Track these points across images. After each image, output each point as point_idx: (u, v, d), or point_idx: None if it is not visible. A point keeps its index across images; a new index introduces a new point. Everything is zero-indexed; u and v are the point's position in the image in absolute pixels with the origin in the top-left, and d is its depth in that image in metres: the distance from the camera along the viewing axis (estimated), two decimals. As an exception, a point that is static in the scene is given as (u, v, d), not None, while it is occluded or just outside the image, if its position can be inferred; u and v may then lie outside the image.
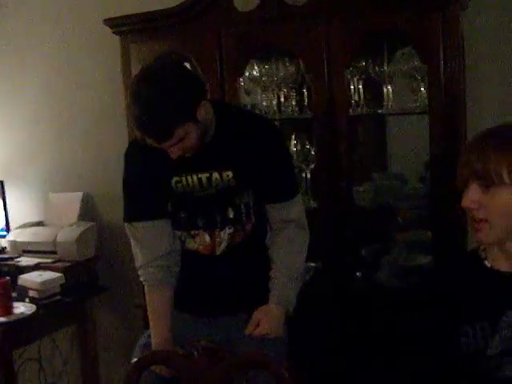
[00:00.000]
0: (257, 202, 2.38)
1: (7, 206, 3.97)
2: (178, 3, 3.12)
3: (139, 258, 2.42)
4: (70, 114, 3.96)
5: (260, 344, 2.30)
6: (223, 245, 2.38)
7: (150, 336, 2.42)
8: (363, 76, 3.07)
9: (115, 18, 3.28)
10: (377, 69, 3.03)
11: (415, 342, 1.85)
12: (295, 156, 3.09)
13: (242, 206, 2.36)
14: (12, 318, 3.16)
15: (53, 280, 3.40)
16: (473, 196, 1.70)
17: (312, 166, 3.12)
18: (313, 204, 3.09)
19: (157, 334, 2.37)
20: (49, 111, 4.02)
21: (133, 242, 2.44)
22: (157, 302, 2.41)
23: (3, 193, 3.94)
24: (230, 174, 2.30)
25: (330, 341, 2.98)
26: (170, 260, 2.41)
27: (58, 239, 3.62)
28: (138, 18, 3.22)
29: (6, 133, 4.13)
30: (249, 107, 3.27)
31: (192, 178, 2.32)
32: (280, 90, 3.26)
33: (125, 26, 3.26)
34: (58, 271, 3.48)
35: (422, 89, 2.94)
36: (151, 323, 2.41)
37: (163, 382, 2.27)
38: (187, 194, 2.35)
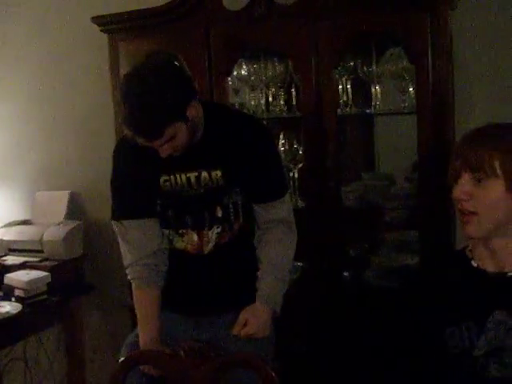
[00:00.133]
0: (245, 201, 2.37)
1: (-6, 205, 3.95)
2: (166, 1, 3.12)
3: (127, 257, 2.41)
4: (57, 112, 3.94)
5: (247, 344, 2.30)
6: (211, 244, 2.37)
7: (137, 335, 2.42)
8: (352, 76, 3.08)
9: (103, 16, 3.27)
10: (365, 69, 3.04)
11: (402, 342, 1.85)
12: (283, 155, 3.08)
13: (231, 206, 2.35)
14: (-3, 317, 3.15)
15: (39, 279, 3.38)
16: (464, 187, 1.71)
17: (300, 165, 3.12)
18: (300, 203, 3.09)
19: (144, 334, 2.36)
20: (36, 110, 4.00)
21: (121, 241, 2.43)
22: (144, 301, 2.40)
23: (-10, 191, 3.92)
24: (219, 173, 2.29)
25: (317, 341, 2.98)
26: (158, 259, 2.40)
27: (45, 238, 3.60)
28: (126, 16, 3.21)
29: (-7, 131, 4.12)
30: (237, 106, 3.27)
31: (181, 177, 2.31)
32: (268, 89, 3.26)
33: (113, 24, 3.25)
34: (44, 270, 3.46)
35: (411, 89, 2.95)
36: (139, 322, 2.40)
37: (150, 382, 2.26)
38: (175, 193, 2.34)
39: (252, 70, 3.20)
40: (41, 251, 3.62)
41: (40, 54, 3.93)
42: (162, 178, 2.33)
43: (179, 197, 2.35)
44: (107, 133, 3.41)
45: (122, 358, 2.11)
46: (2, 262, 3.62)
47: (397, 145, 3.27)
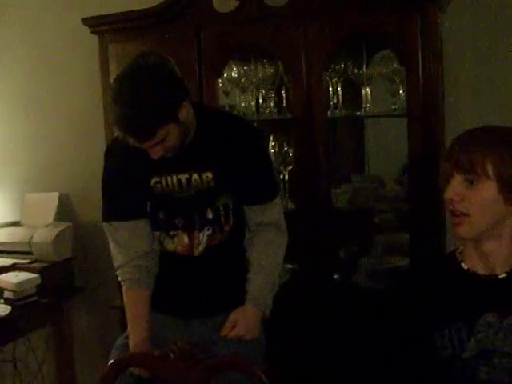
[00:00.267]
0: (236, 203, 2.37)
1: (-17, 206, 3.94)
2: (157, 3, 3.11)
3: (118, 258, 2.40)
4: (46, 113, 3.93)
5: (237, 346, 2.29)
6: (201, 246, 2.37)
7: (127, 337, 2.41)
8: (342, 78, 3.08)
9: (93, 18, 3.26)
10: (356, 71, 3.04)
11: (392, 344, 1.85)
12: (273, 157, 3.08)
13: (221, 208, 2.35)
14: (-14, 319, 3.13)
15: (29, 281, 3.36)
16: (456, 188, 1.71)
17: (290, 167, 3.12)
18: (291, 205, 3.09)
19: (134, 335, 2.35)
20: (25, 111, 3.99)
21: (111, 242, 2.42)
22: (135, 302, 2.39)
23: (-21, 193, 3.91)
24: (210, 175, 2.29)
25: (307, 342, 2.98)
26: (149, 261, 2.40)
27: (34, 240, 3.59)
28: (116, 17, 3.21)
29: (-18, 133, 4.10)
30: (227, 108, 3.26)
31: (171, 178, 2.31)
32: (259, 91, 3.26)
33: (103, 26, 3.24)
34: (34, 272, 3.44)
35: (401, 91, 2.96)
36: (129, 324, 2.39)
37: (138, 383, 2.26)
38: (166, 195, 2.34)
39: (242, 71, 3.20)
40: (30, 253, 3.60)
41: (30, 55, 3.92)
42: (153, 180, 2.32)
43: (170, 199, 2.34)
44: (97, 134, 3.40)
45: (112, 360, 2.10)
46: (-9, 264, 3.60)
47: (387, 147, 3.28)
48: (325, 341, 2.94)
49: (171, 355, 1.95)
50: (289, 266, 3.07)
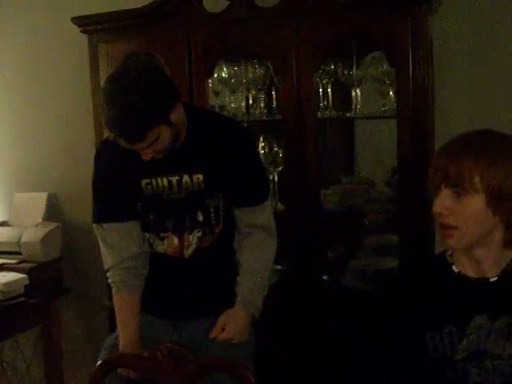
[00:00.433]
0: (227, 205, 2.37)
1: (-29, 206, 3.92)
2: (147, 3, 3.10)
3: (108, 260, 2.40)
4: (35, 113, 3.92)
5: (225, 347, 2.29)
6: (192, 248, 2.36)
7: (116, 338, 2.40)
8: (332, 79, 3.08)
9: (83, 17, 3.25)
10: (346, 72, 3.04)
11: (382, 346, 1.85)
12: (263, 158, 3.08)
13: (212, 210, 2.34)
14: (-26, 319, 3.12)
15: (17, 281, 3.35)
16: (445, 202, 1.70)
17: (280, 168, 3.12)
18: (280, 206, 3.08)
19: (124, 337, 2.35)
20: (14, 111, 3.98)
21: (101, 244, 2.41)
22: (125, 305, 2.39)
23: (-33, 192, 3.89)
24: (201, 177, 2.29)
25: (295, 343, 2.98)
26: (139, 262, 2.39)
27: (23, 240, 3.58)
28: (106, 17, 3.20)
29: (-29, 132, 4.08)
30: (217, 109, 3.25)
31: (162, 180, 2.30)
32: (249, 91, 3.26)
33: (93, 25, 3.23)
34: (22, 272, 3.43)
35: (391, 93, 2.96)
36: (119, 326, 2.39)
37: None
38: (157, 197, 2.33)
39: (232, 72, 3.19)
40: (18, 253, 3.59)
41: (19, 53, 3.90)
42: (144, 182, 2.31)
43: (160, 200, 2.33)
44: (86, 135, 3.39)
45: (100, 361, 2.09)
46: (-21, 264, 3.59)
47: (377, 149, 3.28)
48: (314, 342, 2.94)
49: (160, 356, 1.94)
50: (278, 266, 3.07)
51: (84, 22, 3.25)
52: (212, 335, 2.32)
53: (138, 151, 2.16)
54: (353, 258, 3.27)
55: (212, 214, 2.34)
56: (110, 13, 3.20)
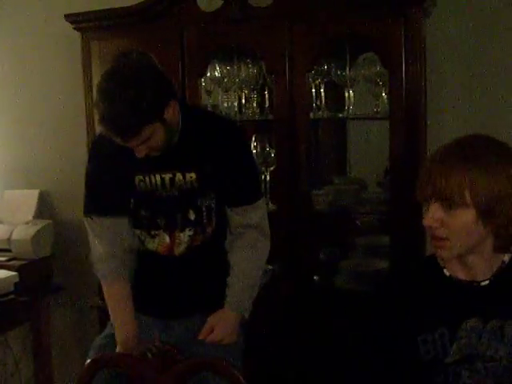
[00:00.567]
0: (219, 204, 2.36)
1: (-39, 203, 3.90)
2: (141, 1, 3.10)
3: (98, 249, 2.37)
4: (27, 110, 3.90)
5: (214, 348, 2.28)
6: (182, 246, 2.36)
7: (106, 337, 2.40)
8: (325, 79, 3.08)
9: (76, 14, 3.24)
10: (339, 73, 3.04)
11: (374, 348, 1.85)
12: (255, 158, 3.07)
13: (204, 209, 2.33)
14: (-37, 316, 3.11)
15: (6, 278, 3.33)
16: (435, 215, 1.69)
17: (272, 168, 3.11)
18: (271, 206, 3.08)
19: (123, 333, 2.33)
20: (6, 108, 3.96)
21: (91, 235, 2.40)
22: (120, 297, 2.37)
23: (-42, 189, 3.87)
24: (194, 175, 2.28)
25: (286, 344, 2.97)
26: (129, 256, 2.38)
27: (13, 237, 3.56)
28: (99, 14, 3.19)
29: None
30: (210, 108, 3.25)
31: (155, 177, 2.30)
32: (241, 91, 3.25)
33: (86, 23, 3.22)
34: (12, 270, 3.42)
35: (384, 94, 2.96)
36: (116, 321, 2.36)
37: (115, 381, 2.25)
38: (149, 194, 2.32)
39: (225, 71, 3.19)
40: (9, 250, 3.57)
41: (11, 52, 3.89)
42: (137, 178, 2.31)
43: (153, 197, 2.33)
44: (78, 132, 3.38)
45: (89, 360, 2.08)
46: (-31, 261, 3.57)
47: (369, 150, 3.28)
48: (304, 342, 2.94)
49: (149, 355, 1.94)
50: (269, 267, 3.05)
51: (77, 20, 3.24)
52: (201, 337, 2.31)
53: (132, 148, 2.16)
54: (344, 258, 3.27)
55: (204, 213, 2.33)
56: (104, 10, 3.19)
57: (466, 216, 1.67)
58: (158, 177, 2.29)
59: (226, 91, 3.23)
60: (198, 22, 3.02)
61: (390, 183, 2.90)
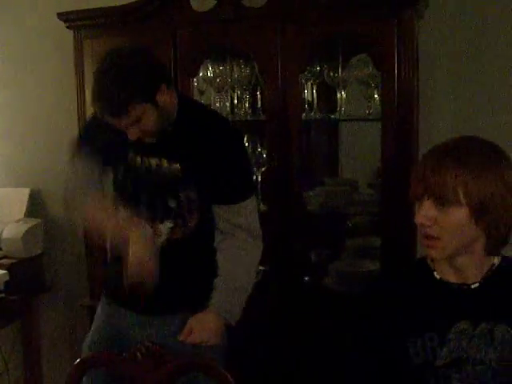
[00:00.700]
0: (202, 200, 2.33)
1: (-48, 201, 3.88)
2: (134, 0, 3.09)
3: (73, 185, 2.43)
4: (19, 108, 3.90)
5: (192, 349, 2.25)
6: (163, 238, 2.34)
7: (94, 333, 2.39)
8: (317, 81, 3.08)
9: (69, 12, 3.23)
10: (331, 74, 3.04)
11: (363, 350, 1.85)
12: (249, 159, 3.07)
13: (183, 199, 2.31)
14: (-48, 315, 3.10)
15: (-4, 277, 3.34)
16: (428, 212, 1.69)
17: (263, 169, 3.11)
18: (263, 207, 3.08)
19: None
20: (-2, 106, 3.96)
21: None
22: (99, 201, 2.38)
23: None
24: (178, 166, 2.28)
25: (276, 345, 2.97)
26: None
27: (4, 235, 3.56)
28: (92, 13, 3.19)
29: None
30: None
31: (142, 159, 2.32)
32: (234, 91, 3.25)
33: (79, 21, 3.22)
34: (2, 268, 3.41)
35: (376, 96, 2.96)
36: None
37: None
38: (136, 172, 2.34)
39: (218, 71, 3.18)
40: (-1, 249, 3.57)
41: (3, 50, 3.88)
42: (130, 155, 2.34)
43: (138, 178, 2.34)
44: (69, 130, 3.37)
45: (78, 360, 2.08)
46: (-41, 260, 3.56)
47: (361, 151, 3.29)
48: (294, 343, 2.94)
49: (139, 355, 1.94)
50: (260, 267, 3.06)
51: (70, 18, 3.23)
52: (180, 337, 2.26)
53: (124, 130, 2.18)
54: (335, 259, 3.27)
55: (184, 204, 2.32)
56: (96, 9, 3.18)
57: (459, 214, 1.67)
58: (145, 159, 2.32)
59: (219, 91, 3.23)
60: (190, 21, 3.02)
61: (382, 185, 2.90)
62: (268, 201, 3.06)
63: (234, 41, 3.00)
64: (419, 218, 1.72)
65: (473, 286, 1.79)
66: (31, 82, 3.83)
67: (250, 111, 3.21)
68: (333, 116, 3.09)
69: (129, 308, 2.42)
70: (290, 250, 2.98)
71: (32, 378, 3.79)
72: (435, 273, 1.82)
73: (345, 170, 3.41)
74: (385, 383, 1.81)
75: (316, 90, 3.09)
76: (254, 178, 3.11)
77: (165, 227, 2.33)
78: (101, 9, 3.18)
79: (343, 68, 3.03)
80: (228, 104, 3.26)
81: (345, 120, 3.16)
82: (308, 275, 3.11)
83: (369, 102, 3.00)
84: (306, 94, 3.09)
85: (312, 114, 3.08)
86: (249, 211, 2.39)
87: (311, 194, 3.16)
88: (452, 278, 1.80)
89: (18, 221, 3.64)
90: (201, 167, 2.28)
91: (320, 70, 3.06)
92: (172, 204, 2.32)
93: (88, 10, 3.20)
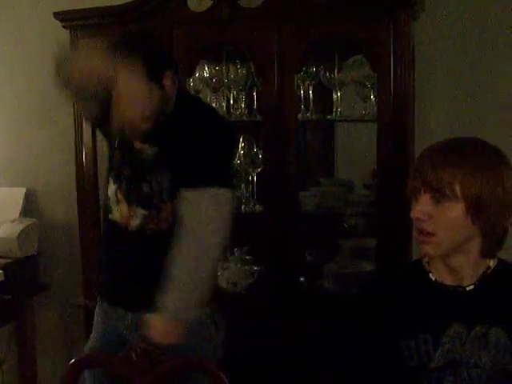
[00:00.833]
0: (173, 189, 2.21)
1: None
2: (130, 0, 3.09)
3: None
4: (15, 108, 3.89)
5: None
6: (137, 221, 2.30)
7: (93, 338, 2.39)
8: (314, 81, 3.08)
9: (66, 12, 3.23)
10: (327, 75, 3.05)
11: (357, 353, 1.85)
12: (242, 159, 3.07)
13: (154, 184, 2.27)
14: None
15: (-9, 277, 3.33)
16: (424, 207, 1.70)
17: (259, 169, 3.11)
18: (258, 208, 3.08)
19: None
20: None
21: None
22: None
23: None
24: (157, 149, 2.28)
25: (271, 345, 2.97)
26: None
27: (-1, 235, 3.55)
28: (89, 12, 3.18)
29: None
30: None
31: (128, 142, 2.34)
32: (230, 92, 3.25)
33: (75, 21, 3.21)
34: (-3, 268, 3.41)
35: (372, 96, 2.97)
36: None
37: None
38: (122, 154, 2.37)
39: (214, 71, 3.18)
40: (-6, 248, 3.56)
41: (-1, 49, 3.88)
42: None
43: (123, 157, 2.37)
44: (65, 130, 3.37)
45: (72, 360, 2.07)
46: (-46, 259, 3.55)
47: (356, 152, 3.29)
48: (289, 344, 2.94)
49: (134, 356, 1.94)
50: (255, 267, 3.06)
51: (66, 18, 3.22)
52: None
53: None
54: (331, 260, 3.27)
55: (155, 190, 2.27)
56: (93, 9, 3.18)
57: (456, 210, 1.67)
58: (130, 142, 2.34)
59: (215, 91, 3.23)
60: (187, 21, 3.02)
61: (377, 185, 2.90)
62: (263, 201, 3.06)
63: (230, 41, 3.00)
64: (415, 213, 1.72)
65: (468, 289, 1.79)
66: (27, 82, 3.82)
67: (246, 112, 3.21)
68: (329, 116, 3.10)
69: (119, 305, 2.36)
70: (286, 251, 2.97)
71: (27, 378, 3.78)
72: (430, 274, 1.82)
73: (340, 171, 3.42)
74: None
75: (312, 91, 3.10)
76: (250, 178, 3.11)
77: (139, 212, 2.29)
78: (97, 8, 3.18)
79: (339, 69, 3.04)
80: (224, 104, 3.26)
81: (341, 121, 3.17)
82: (303, 276, 3.11)
83: (365, 102, 3.00)
84: (302, 95, 3.09)
85: (308, 114, 3.09)
86: (208, 202, 2.13)
87: (307, 194, 3.16)
88: (447, 280, 1.80)
89: (13, 220, 3.63)
90: (174, 150, 2.23)
91: (316, 71, 3.07)
92: (145, 188, 2.29)
93: (84, 9, 3.19)
